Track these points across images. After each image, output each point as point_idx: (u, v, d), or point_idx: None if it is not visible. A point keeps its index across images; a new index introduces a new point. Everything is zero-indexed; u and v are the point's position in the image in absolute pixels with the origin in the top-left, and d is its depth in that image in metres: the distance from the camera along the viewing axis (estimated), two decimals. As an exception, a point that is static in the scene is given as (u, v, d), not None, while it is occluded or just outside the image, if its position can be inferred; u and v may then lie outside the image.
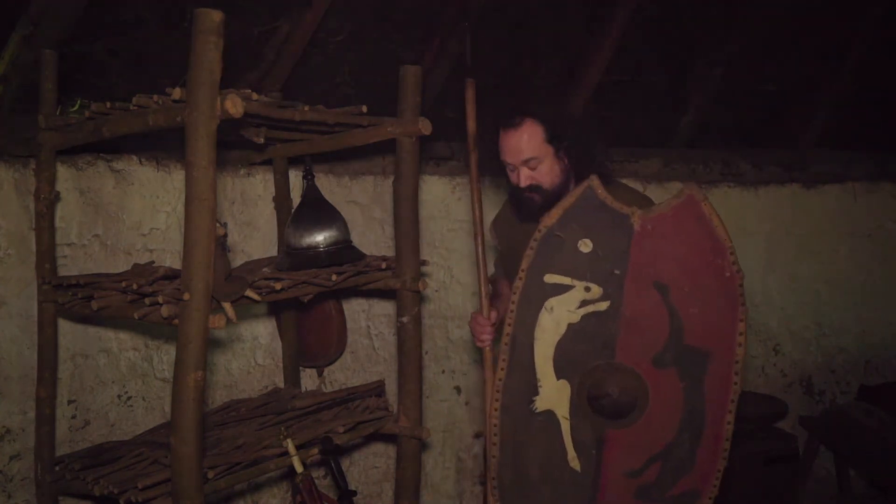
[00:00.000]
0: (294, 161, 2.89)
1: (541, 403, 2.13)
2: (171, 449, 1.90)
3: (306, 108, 2.20)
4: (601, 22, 3.63)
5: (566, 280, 2.08)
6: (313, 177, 2.68)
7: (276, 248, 2.93)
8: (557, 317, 2.09)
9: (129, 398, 2.75)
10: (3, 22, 2.54)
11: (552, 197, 2.25)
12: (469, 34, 2.30)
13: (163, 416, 2.76)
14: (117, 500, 2.09)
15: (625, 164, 3.85)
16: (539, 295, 2.09)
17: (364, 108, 2.37)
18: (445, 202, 3.42)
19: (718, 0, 3.84)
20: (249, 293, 2.08)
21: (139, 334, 2.76)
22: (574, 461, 2.13)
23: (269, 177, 2.93)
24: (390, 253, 2.73)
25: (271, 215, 2.97)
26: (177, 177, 2.76)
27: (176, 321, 1.89)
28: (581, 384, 2.10)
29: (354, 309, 3.23)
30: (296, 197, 2.84)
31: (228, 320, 1.96)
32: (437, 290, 3.42)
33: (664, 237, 2.04)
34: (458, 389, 3.52)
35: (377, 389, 2.80)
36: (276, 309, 3.00)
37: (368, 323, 3.29)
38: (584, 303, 2.08)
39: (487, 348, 2.33)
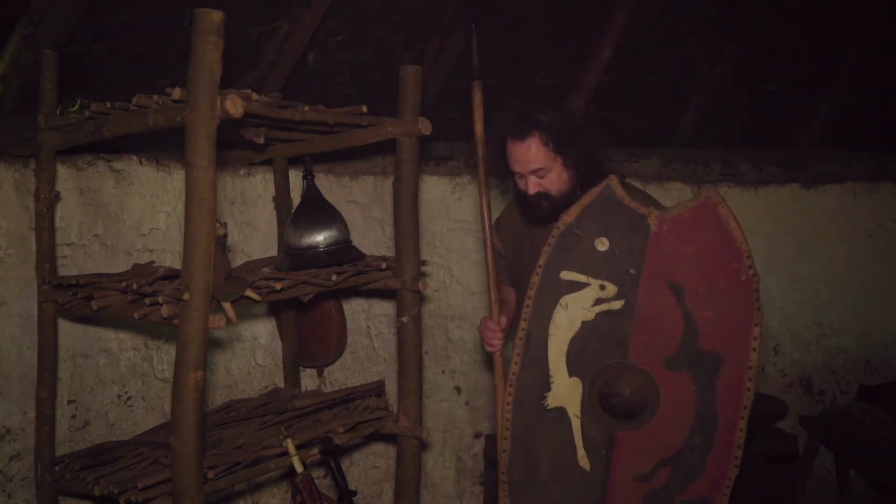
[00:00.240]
0: (294, 161, 2.89)
1: (552, 400, 2.12)
2: (171, 449, 1.90)
3: (306, 108, 2.20)
4: (601, 22, 3.63)
5: (582, 277, 2.08)
6: (313, 177, 2.68)
7: (276, 248, 2.93)
8: (572, 314, 2.09)
9: (129, 398, 2.75)
10: (3, 22, 2.54)
11: (560, 203, 2.27)
12: (476, 36, 2.28)
13: (163, 416, 2.76)
14: (117, 500, 2.09)
15: (625, 164, 3.84)
16: (555, 291, 2.09)
17: (364, 108, 2.36)
18: (445, 202, 3.42)
19: (718, 0, 3.85)
20: (249, 293, 2.08)
21: (139, 334, 2.76)
22: (584, 460, 2.12)
23: (269, 177, 2.93)
24: (390, 253, 2.73)
25: (271, 215, 2.97)
26: (177, 177, 2.76)
27: (176, 321, 1.89)
28: (593, 382, 2.10)
29: (354, 309, 3.23)
30: (296, 197, 2.84)
31: (228, 320, 1.96)
32: (437, 290, 3.42)
33: (681, 238, 2.03)
34: (458, 389, 3.52)
35: (377, 389, 2.80)
36: (276, 309, 3.00)
37: (368, 323, 3.29)
38: (598, 301, 2.07)
39: (497, 353, 2.33)
